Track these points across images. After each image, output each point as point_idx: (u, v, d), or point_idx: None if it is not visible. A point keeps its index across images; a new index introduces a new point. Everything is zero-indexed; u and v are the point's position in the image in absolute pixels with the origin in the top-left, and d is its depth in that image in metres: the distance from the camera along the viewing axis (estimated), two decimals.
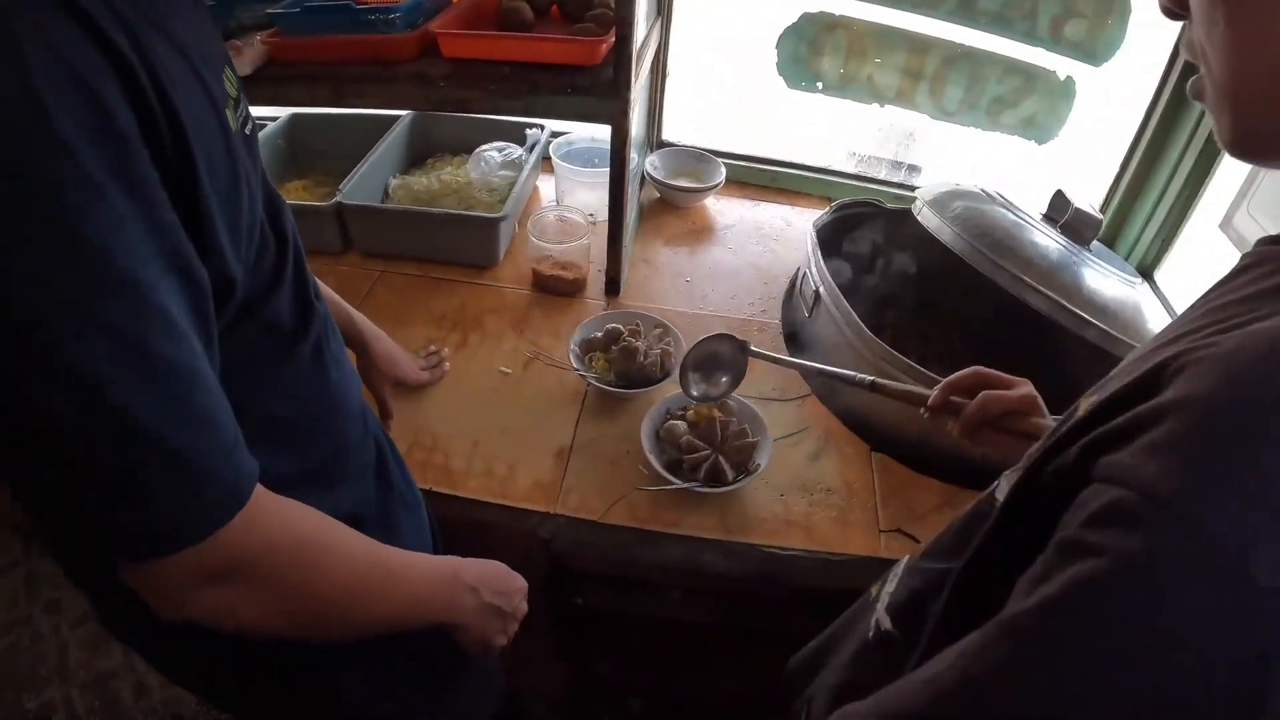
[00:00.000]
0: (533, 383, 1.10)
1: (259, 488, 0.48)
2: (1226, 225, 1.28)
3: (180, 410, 0.42)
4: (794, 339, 1.23)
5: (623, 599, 0.99)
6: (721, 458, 0.95)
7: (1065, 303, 0.99)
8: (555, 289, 1.25)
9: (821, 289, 1.13)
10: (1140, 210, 1.41)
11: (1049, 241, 1.10)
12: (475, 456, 0.99)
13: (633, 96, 1.04)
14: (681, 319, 1.23)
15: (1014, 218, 1.13)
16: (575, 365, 1.07)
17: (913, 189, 1.53)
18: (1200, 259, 1.37)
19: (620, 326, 1.10)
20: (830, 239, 1.26)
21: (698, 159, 1.55)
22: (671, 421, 0.99)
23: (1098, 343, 1.00)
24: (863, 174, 1.61)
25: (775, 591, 0.95)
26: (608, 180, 1.39)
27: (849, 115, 1.51)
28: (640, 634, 1.09)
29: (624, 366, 1.05)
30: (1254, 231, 1.22)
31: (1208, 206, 1.34)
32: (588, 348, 1.10)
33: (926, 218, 1.16)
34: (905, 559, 0.67)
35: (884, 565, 0.95)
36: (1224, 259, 1.66)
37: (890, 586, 0.64)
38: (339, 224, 1.27)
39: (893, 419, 1.06)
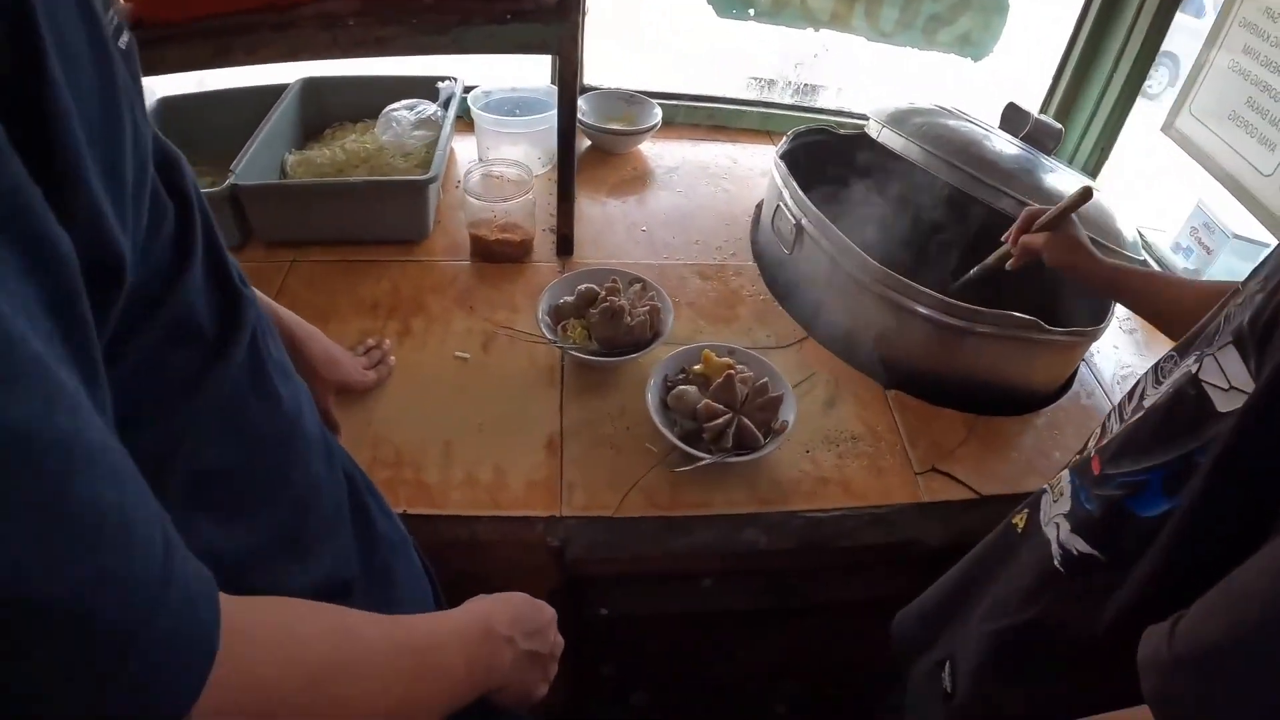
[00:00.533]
0: (498, 365, 0.94)
1: (225, 604, 0.30)
2: (1169, 128, 1.28)
3: (56, 529, 0.23)
4: (775, 280, 1.12)
5: (650, 600, 0.86)
6: (745, 419, 0.82)
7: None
8: (501, 255, 1.08)
9: (803, 221, 1.02)
10: (1077, 121, 1.40)
11: (1017, 151, 1.04)
12: (451, 463, 0.82)
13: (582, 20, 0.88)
14: (649, 273, 1.09)
15: (979, 130, 1.07)
16: (548, 336, 0.91)
17: (854, 116, 1.46)
18: (1138, 167, 1.38)
19: (595, 286, 0.94)
20: (790, 172, 1.16)
21: (628, 101, 1.40)
22: (681, 387, 0.85)
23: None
24: (800, 104, 1.51)
25: (819, 560, 0.84)
26: (537, 130, 1.24)
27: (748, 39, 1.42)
28: (662, 631, 0.96)
29: (608, 331, 0.89)
30: (1199, 133, 1.21)
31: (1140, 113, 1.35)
32: (559, 315, 0.94)
33: (889, 138, 1.08)
34: (1065, 475, 0.59)
35: (926, 510, 0.88)
36: (1164, 165, 1.73)
37: (1063, 507, 0.55)
38: (235, 211, 1.04)
39: (904, 351, 0.97)
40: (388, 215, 1.08)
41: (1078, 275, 0.82)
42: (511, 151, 1.24)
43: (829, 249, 0.99)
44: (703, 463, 0.79)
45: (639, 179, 1.32)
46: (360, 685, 0.38)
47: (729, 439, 0.81)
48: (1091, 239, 0.84)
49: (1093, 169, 1.40)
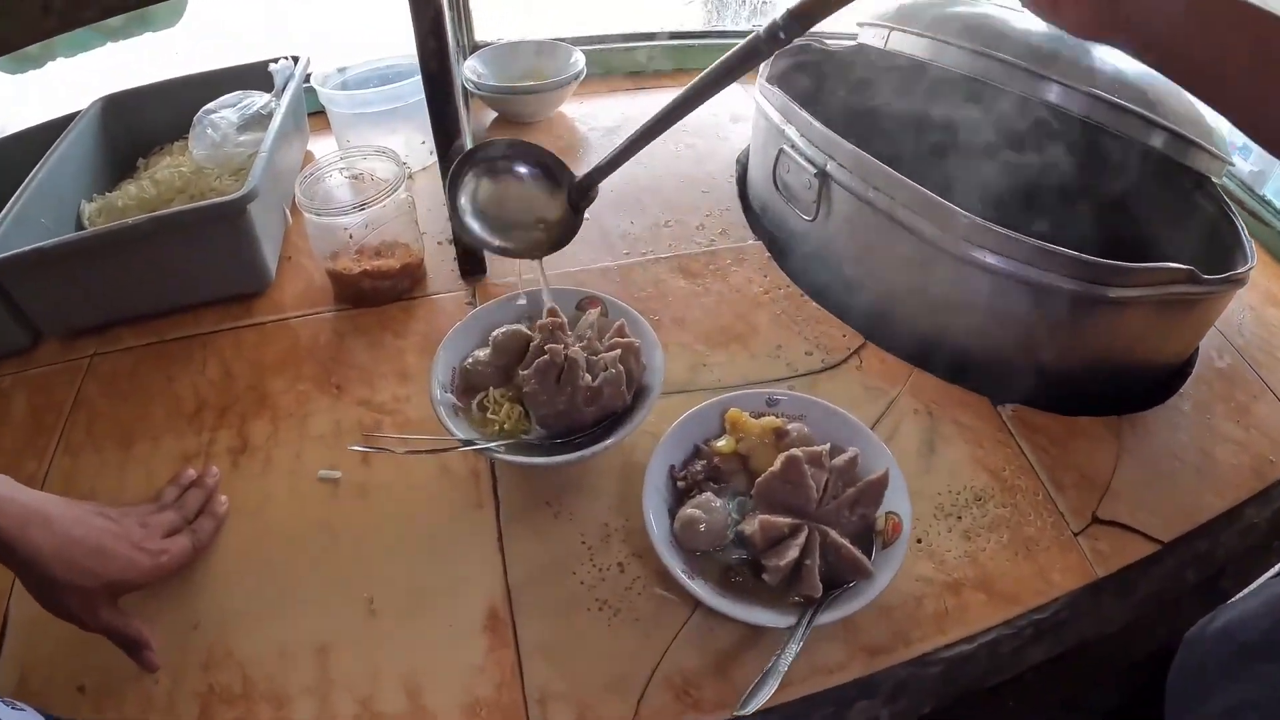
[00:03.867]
0: (388, 484, 0.57)
1: None
2: None
3: None
4: (794, 260, 0.77)
5: None
6: (831, 532, 0.48)
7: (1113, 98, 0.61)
8: (376, 294, 0.71)
9: (830, 165, 0.68)
10: None
11: (1047, 29, 0.69)
12: (332, 686, 0.46)
13: None
14: (606, 283, 0.74)
15: (1004, 13, 0.73)
16: (451, 428, 0.53)
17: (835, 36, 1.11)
18: None
19: (521, 328, 0.58)
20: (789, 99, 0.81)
21: (537, 52, 1.03)
22: (702, 497, 0.51)
23: (1165, 150, 0.63)
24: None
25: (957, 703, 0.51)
26: (412, 104, 0.87)
27: None
28: None
29: (555, 405, 0.53)
30: None
31: None
32: (469, 385, 0.57)
33: (902, 42, 0.74)
34: None
35: (1100, 591, 0.55)
36: None
37: None
38: (3, 301, 0.65)
39: (1019, 341, 0.63)
40: (207, 262, 0.70)
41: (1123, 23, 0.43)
42: (389, 142, 0.87)
43: (880, 200, 0.64)
44: (787, 654, 0.44)
45: (567, 150, 0.96)
46: None
47: (810, 576, 0.46)
48: None
49: None
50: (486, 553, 0.53)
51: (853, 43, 0.84)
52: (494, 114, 1.01)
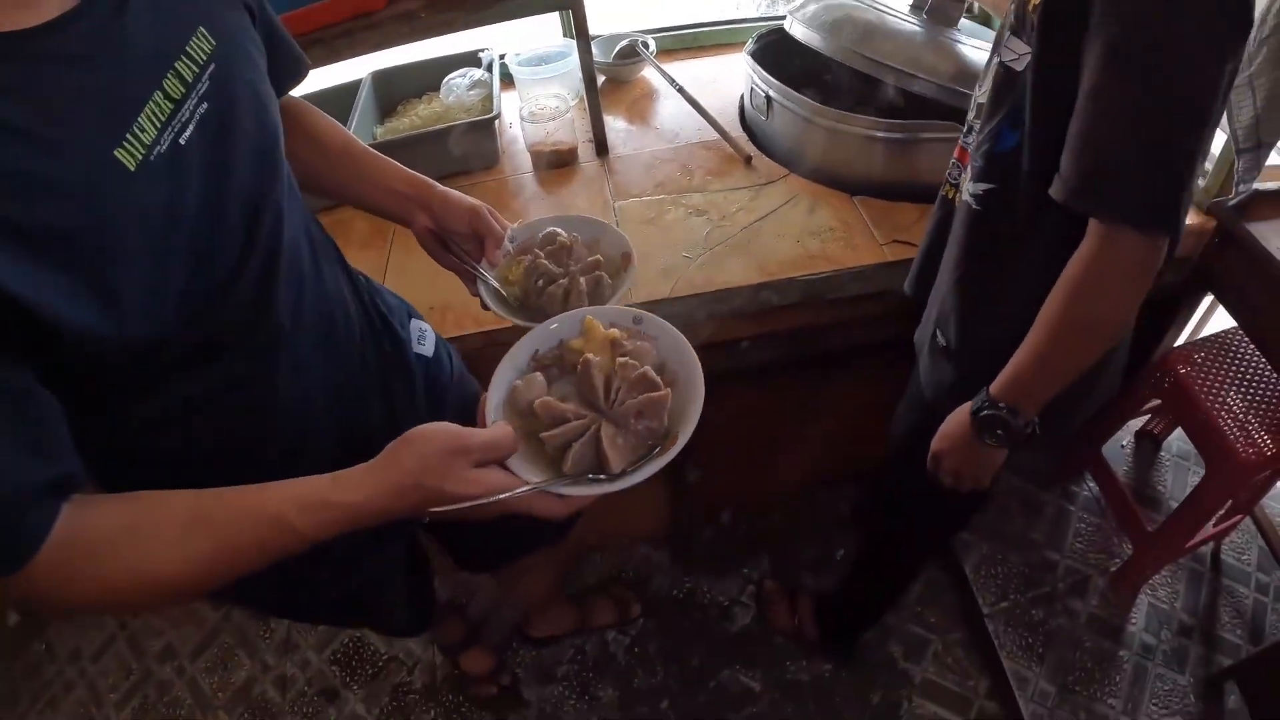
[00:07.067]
0: None
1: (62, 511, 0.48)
2: None
3: None
4: (758, 138, 1.48)
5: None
6: (606, 430, 0.60)
7: (934, 80, 1.19)
8: (556, 162, 1.45)
9: (771, 92, 1.38)
10: None
11: (914, 28, 1.27)
12: None
13: None
14: (662, 146, 1.46)
15: (875, 14, 1.29)
16: (477, 269, 0.79)
17: None
18: None
19: (560, 230, 0.82)
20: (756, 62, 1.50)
21: (627, 40, 1.76)
22: (544, 372, 0.67)
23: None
24: (766, 15, 1.85)
25: (821, 313, 1.21)
26: (563, 74, 1.61)
27: None
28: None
29: (526, 287, 0.78)
30: None
31: None
32: (521, 249, 0.82)
33: (798, 31, 1.36)
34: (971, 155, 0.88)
35: (893, 266, 1.23)
36: None
37: (968, 175, 0.86)
38: None
39: (863, 166, 1.32)
40: (467, 149, 1.46)
41: None
42: (546, 91, 1.61)
43: (791, 105, 1.34)
44: (529, 488, 0.57)
45: (648, 95, 1.68)
46: (148, 544, 0.51)
47: (580, 456, 0.59)
48: None
49: None
50: None
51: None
52: (604, 78, 1.74)
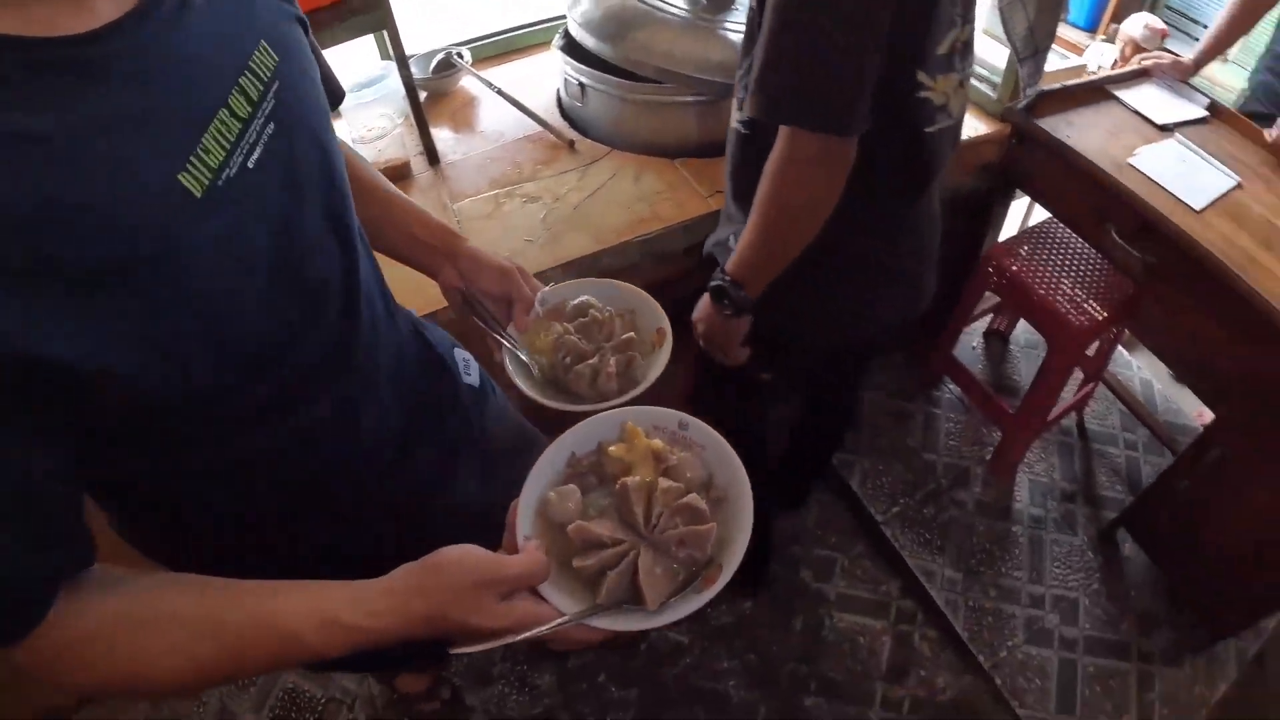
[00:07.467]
0: None
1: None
2: None
3: None
4: (577, 123, 1.55)
5: None
6: (644, 558, 0.55)
7: (683, 71, 1.30)
8: (392, 176, 1.46)
9: (583, 79, 1.45)
10: None
11: (681, 18, 1.35)
12: None
13: None
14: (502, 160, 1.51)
15: (644, 7, 1.37)
16: (505, 339, 0.75)
17: None
18: None
19: (594, 301, 0.78)
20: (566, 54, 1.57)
21: (442, 55, 1.81)
22: (568, 486, 0.60)
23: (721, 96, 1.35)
24: None
25: (660, 268, 1.29)
26: (387, 94, 1.64)
27: None
28: None
29: (555, 366, 0.73)
30: None
31: None
32: (551, 313, 0.77)
33: (576, 30, 1.43)
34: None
35: (716, 215, 1.32)
36: None
37: (738, 115, 0.99)
38: None
39: (679, 131, 1.42)
40: None
41: None
42: (372, 113, 1.64)
43: (603, 87, 1.42)
44: (560, 622, 0.52)
45: (470, 103, 1.73)
46: (158, 640, 0.46)
47: (615, 586, 0.53)
48: None
49: None
50: None
51: None
52: (424, 93, 1.77)
